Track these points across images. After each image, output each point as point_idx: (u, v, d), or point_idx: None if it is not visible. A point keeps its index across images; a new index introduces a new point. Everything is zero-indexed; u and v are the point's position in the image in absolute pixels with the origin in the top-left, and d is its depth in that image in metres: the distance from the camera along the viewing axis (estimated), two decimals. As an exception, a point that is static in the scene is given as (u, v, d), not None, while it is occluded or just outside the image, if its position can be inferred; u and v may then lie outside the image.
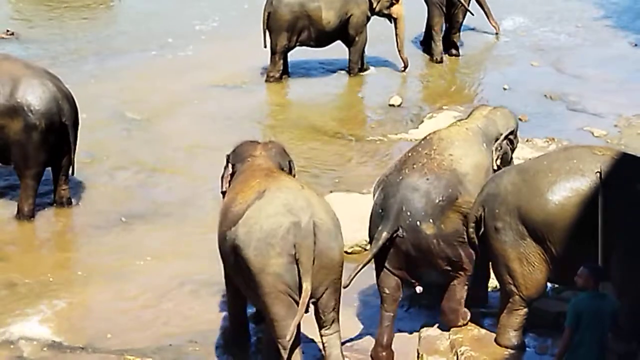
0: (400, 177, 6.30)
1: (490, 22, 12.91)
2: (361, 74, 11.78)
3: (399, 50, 11.80)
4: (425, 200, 6.21)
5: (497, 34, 13.07)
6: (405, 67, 11.88)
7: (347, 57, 11.70)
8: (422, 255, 6.21)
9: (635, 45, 12.92)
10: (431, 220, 6.18)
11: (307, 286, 5.34)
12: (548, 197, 5.78)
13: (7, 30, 12.86)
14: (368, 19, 11.57)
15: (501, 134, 6.71)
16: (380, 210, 6.29)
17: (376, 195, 6.45)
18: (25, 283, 7.10)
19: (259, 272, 5.41)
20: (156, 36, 13.18)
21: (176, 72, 11.82)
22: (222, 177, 6.21)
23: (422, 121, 10.33)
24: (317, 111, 10.85)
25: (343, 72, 11.83)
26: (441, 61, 12.17)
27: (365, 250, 7.22)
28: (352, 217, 7.57)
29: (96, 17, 14.38)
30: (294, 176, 6.21)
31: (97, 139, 9.45)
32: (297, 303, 5.39)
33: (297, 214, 5.44)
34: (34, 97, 7.89)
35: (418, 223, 6.17)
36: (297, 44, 11.43)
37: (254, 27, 11.55)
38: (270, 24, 11.27)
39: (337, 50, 11.82)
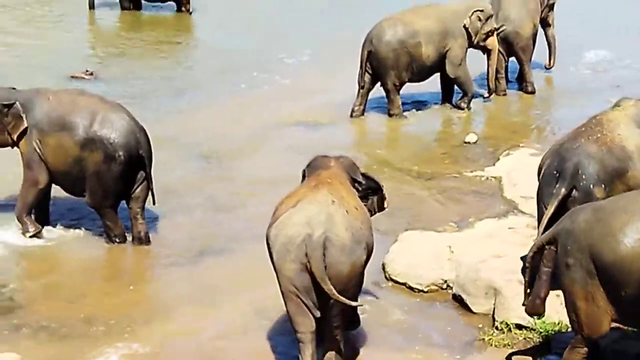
0: (577, 145, 7.05)
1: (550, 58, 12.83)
2: (437, 108, 11.84)
3: (488, 80, 11.99)
4: (600, 167, 6.98)
5: (548, 68, 13.04)
6: (490, 94, 12.07)
7: (443, 92, 11.92)
8: None
9: None
10: (603, 186, 6.95)
11: (328, 287, 5.85)
12: (620, 238, 5.68)
13: (87, 70, 13.01)
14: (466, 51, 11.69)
15: None
16: (555, 172, 7.06)
17: (549, 160, 7.21)
18: (103, 320, 7.09)
19: (278, 271, 6.05)
20: (240, 71, 13.36)
21: (258, 107, 11.98)
22: None
23: (498, 159, 10.26)
24: (393, 148, 10.87)
25: (421, 108, 11.94)
26: (533, 92, 12.38)
27: (442, 289, 7.24)
28: (428, 255, 7.53)
29: (174, 54, 14.58)
30: (368, 189, 6.64)
31: (172, 176, 9.53)
32: (307, 306, 5.98)
33: (313, 227, 5.92)
34: (113, 129, 8.02)
35: (591, 186, 6.94)
36: (406, 80, 11.52)
37: (345, 61, 11.64)
38: (374, 63, 11.34)
39: (413, 86, 11.85)
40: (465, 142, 10.81)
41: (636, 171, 7.07)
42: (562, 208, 6.87)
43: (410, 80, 11.65)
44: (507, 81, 12.50)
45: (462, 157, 10.48)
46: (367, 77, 11.51)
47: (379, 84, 11.57)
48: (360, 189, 6.57)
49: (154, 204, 8.32)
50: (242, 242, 8.39)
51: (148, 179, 8.21)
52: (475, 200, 9.30)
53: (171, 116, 11.64)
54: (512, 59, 12.50)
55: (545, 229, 6.66)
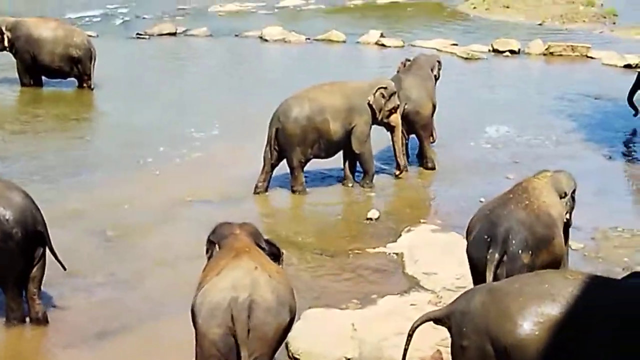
0: (507, 211, 7.38)
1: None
2: (343, 185, 11.94)
3: (396, 157, 12.16)
4: (528, 233, 7.28)
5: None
6: (401, 172, 12.23)
7: (345, 169, 12.03)
8: None
9: (610, 157, 13.10)
10: (530, 252, 7.27)
11: (244, 353, 6.00)
12: (518, 321, 5.73)
13: (-14, 148, 12.85)
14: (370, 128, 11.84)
15: (565, 192, 7.77)
16: (487, 237, 7.33)
17: (479, 224, 7.49)
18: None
19: (203, 337, 6.14)
20: (146, 146, 13.32)
21: (163, 183, 11.92)
22: (209, 258, 6.75)
23: (400, 235, 10.35)
24: (296, 224, 10.86)
25: (325, 184, 12.02)
26: (434, 168, 12.60)
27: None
28: (331, 333, 7.52)
29: (76, 130, 14.46)
30: (270, 255, 6.77)
31: (74, 255, 9.39)
32: None
33: (239, 290, 6.10)
34: (9, 206, 7.89)
35: (519, 251, 7.24)
36: (311, 156, 11.60)
37: (255, 136, 11.75)
38: (281, 140, 11.41)
39: (321, 163, 11.99)
40: (368, 219, 10.89)
41: (560, 238, 7.48)
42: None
43: (315, 157, 11.74)
44: (408, 157, 12.66)
45: (365, 234, 10.54)
46: (273, 154, 11.57)
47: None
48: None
49: (64, 269, 8.18)
50: (143, 322, 8.29)
51: (52, 252, 8.07)
52: (378, 277, 9.34)
53: (73, 193, 11.49)
54: (412, 136, 12.69)
55: None
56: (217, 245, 6.73)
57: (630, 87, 14.66)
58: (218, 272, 6.25)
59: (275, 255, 6.89)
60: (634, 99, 14.66)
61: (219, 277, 6.20)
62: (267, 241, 6.91)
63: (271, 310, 6.13)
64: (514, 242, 7.27)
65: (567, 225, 7.88)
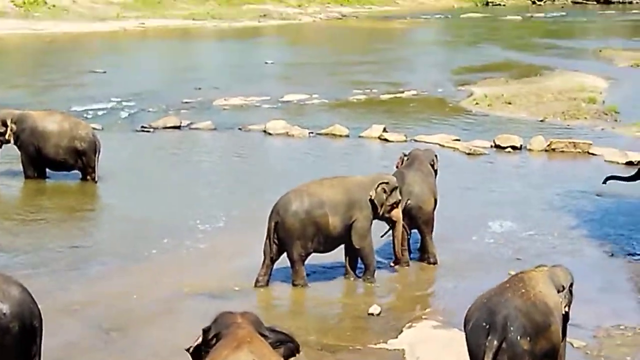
0: (505, 299, 7.56)
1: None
2: (340, 279, 11.93)
3: (394, 251, 12.15)
4: (526, 320, 7.46)
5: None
6: (396, 264, 12.25)
7: (346, 263, 12.00)
8: None
9: (612, 255, 13.10)
10: (528, 338, 7.43)
11: None
12: None
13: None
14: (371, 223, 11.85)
15: (563, 286, 7.96)
16: (485, 324, 7.50)
17: (477, 313, 7.67)
18: None
19: None
20: (149, 238, 13.33)
21: (165, 275, 11.93)
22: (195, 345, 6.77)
23: (401, 331, 10.32)
24: (297, 319, 10.83)
25: (327, 278, 12.02)
26: (435, 262, 12.59)
27: None
28: None
29: (79, 222, 14.51)
30: (277, 342, 6.79)
31: (74, 350, 9.38)
32: None
33: None
34: (5, 299, 7.87)
35: (518, 338, 7.41)
36: (312, 250, 11.62)
37: (258, 229, 11.87)
38: (280, 234, 11.44)
39: (322, 257, 12.02)
40: (369, 314, 10.86)
41: (557, 326, 7.68)
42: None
43: (315, 251, 11.75)
44: (410, 253, 12.67)
45: (366, 329, 10.51)
46: (273, 248, 11.59)
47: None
48: (267, 342, 6.68)
49: None
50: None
51: (39, 351, 7.98)
52: (379, 374, 9.31)
53: (75, 285, 11.51)
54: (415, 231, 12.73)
55: None
56: (214, 336, 6.68)
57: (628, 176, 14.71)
58: None
59: (282, 342, 6.88)
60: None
61: None
62: (273, 330, 6.88)
63: None
64: (512, 328, 7.42)
65: (565, 319, 7.92)
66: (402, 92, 27.48)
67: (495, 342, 7.36)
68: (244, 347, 6.32)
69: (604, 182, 14.73)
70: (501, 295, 7.62)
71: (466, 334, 7.77)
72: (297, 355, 7.05)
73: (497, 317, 7.45)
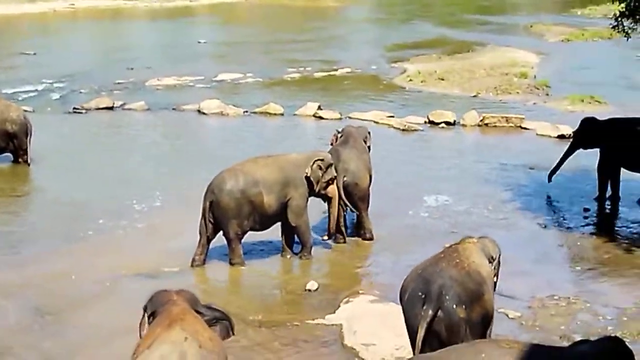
0: (439, 269, 7.64)
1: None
2: (281, 257, 11.94)
3: (329, 225, 12.19)
4: (461, 289, 7.52)
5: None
6: (329, 237, 12.36)
7: (283, 240, 12.02)
8: (451, 336, 7.42)
9: (545, 226, 13.26)
10: (464, 306, 7.50)
11: None
12: None
13: None
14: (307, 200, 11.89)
15: (492, 256, 8.11)
16: (421, 294, 7.56)
17: (413, 283, 7.72)
18: None
19: None
20: (85, 219, 13.22)
21: (99, 256, 11.86)
22: (140, 324, 6.82)
23: (339, 306, 10.36)
24: (235, 297, 10.83)
25: (263, 256, 12.02)
26: (371, 238, 12.65)
27: None
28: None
29: (11, 206, 14.31)
30: (213, 319, 6.94)
31: (6, 334, 9.27)
32: None
33: None
34: None
35: (454, 306, 7.46)
36: (247, 229, 11.59)
37: (194, 208, 11.79)
38: (216, 213, 11.40)
39: (259, 234, 12.01)
40: (306, 290, 10.88)
41: (490, 295, 7.75)
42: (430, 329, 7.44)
43: (252, 229, 11.73)
44: (346, 229, 12.71)
45: (303, 305, 10.54)
46: (209, 227, 11.56)
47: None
48: (203, 320, 6.79)
49: None
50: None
51: None
52: (317, 349, 9.33)
53: (9, 268, 11.39)
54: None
55: (421, 351, 7.24)
56: (151, 314, 6.78)
57: (560, 158, 14.87)
58: (149, 345, 6.27)
59: (218, 319, 6.98)
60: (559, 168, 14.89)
61: (150, 351, 6.23)
62: (208, 307, 6.98)
63: None
64: (447, 297, 7.49)
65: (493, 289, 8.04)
66: (336, 70, 27.49)
67: (431, 312, 7.43)
68: (176, 325, 6.38)
69: (550, 181, 14.84)
70: (436, 266, 7.71)
71: (402, 305, 7.84)
72: (232, 333, 7.10)
73: (432, 286, 7.53)
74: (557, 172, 14.95)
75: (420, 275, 7.72)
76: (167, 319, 6.50)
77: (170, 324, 6.41)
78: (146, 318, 6.82)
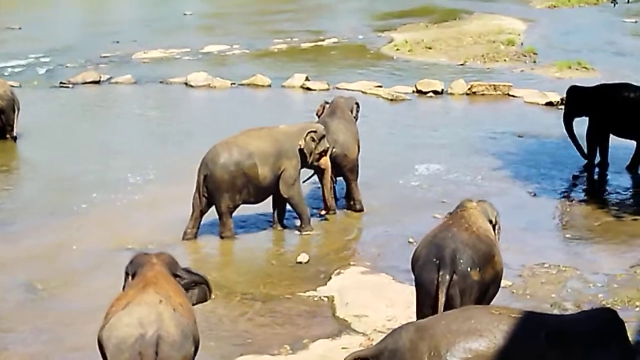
0: (451, 234, 7.73)
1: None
2: (268, 229, 11.95)
3: (324, 198, 12.22)
4: (473, 252, 7.63)
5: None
6: (327, 212, 12.31)
7: (274, 213, 12.04)
8: (464, 299, 7.52)
9: (534, 195, 13.28)
10: (478, 269, 7.60)
11: None
12: (446, 358, 5.82)
13: None
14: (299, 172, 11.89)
15: (491, 220, 8.20)
16: (435, 259, 7.61)
17: (425, 249, 7.80)
18: None
19: None
20: (78, 193, 13.21)
21: (92, 230, 11.86)
22: (123, 288, 6.97)
23: (330, 278, 10.39)
24: (226, 270, 10.83)
25: (254, 229, 12.02)
26: (362, 209, 12.62)
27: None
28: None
29: (3, 180, 14.26)
30: (192, 282, 7.14)
31: None
32: None
33: (145, 327, 6.34)
34: None
35: (469, 269, 7.56)
36: (240, 202, 11.57)
37: (187, 181, 11.77)
38: (209, 186, 11.40)
39: (250, 208, 11.97)
40: (297, 262, 10.90)
41: (499, 256, 7.88)
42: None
43: (245, 202, 11.72)
44: (336, 200, 12.72)
45: (295, 278, 10.53)
46: (202, 200, 11.55)
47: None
48: (181, 283, 7.01)
49: None
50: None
51: None
52: (309, 321, 9.34)
53: (1, 243, 11.37)
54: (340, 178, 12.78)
55: None
56: (131, 276, 6.93)
57: (570, 138, 14.78)
58: (125, 306, 6.44)
59: (197, 282, 7.17)
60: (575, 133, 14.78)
61: (125, 312, 6.40)
62: (188, 270, 7.17)
63: (176, 344, 6.37)
64: (461, 261, 7.57)
65: None
66: (323, 40, 27.40)
67: (447, 276, 7.52)
68: (150, 288, 6.54)
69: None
70: (447, 231, 7.80)
71: (415, 273, 7.90)
72: (210, 296, 7.31)
73: (445, 251, 7.61)
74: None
75: (431, 242, 7.80)
76: (141, 282, 6.67)
77: (145, 287, 6.57)
78: (130, 280, 6.94)
